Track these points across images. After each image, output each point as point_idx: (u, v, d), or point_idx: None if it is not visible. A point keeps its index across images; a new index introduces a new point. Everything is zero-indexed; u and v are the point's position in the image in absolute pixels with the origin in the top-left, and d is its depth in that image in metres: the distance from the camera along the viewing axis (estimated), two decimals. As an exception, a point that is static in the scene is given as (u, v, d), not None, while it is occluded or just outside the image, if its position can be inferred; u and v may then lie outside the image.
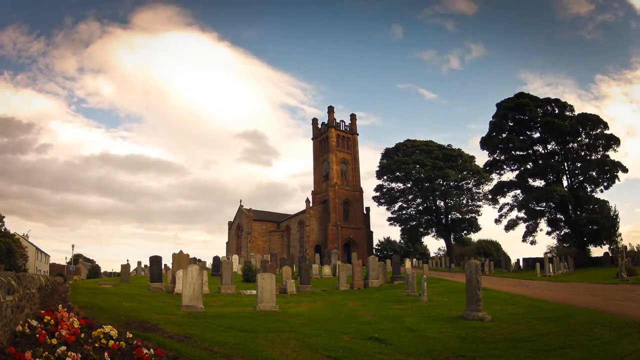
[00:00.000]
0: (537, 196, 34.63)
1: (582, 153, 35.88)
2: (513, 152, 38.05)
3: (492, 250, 50.69)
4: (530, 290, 15.05)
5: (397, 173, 47.24)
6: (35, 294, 5.71)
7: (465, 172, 46.18)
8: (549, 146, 37.44)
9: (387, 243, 55.56)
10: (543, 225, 37.27)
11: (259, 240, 51.66)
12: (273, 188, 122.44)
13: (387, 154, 49.12)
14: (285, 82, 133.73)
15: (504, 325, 8.36)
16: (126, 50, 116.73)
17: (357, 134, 53.54)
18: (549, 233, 37.19)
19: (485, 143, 39.02)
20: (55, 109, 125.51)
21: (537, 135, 37.37)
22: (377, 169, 48.69)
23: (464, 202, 47.32)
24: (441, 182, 45.43)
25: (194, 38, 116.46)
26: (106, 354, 4.31)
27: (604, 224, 32.44)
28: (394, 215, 48.84)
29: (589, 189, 35.36)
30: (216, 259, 26.08)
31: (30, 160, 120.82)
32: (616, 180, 34.19)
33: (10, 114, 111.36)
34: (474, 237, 52.25)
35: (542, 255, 31.33)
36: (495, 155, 39.06)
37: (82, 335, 4.77)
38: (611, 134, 34.65)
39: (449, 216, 47.12)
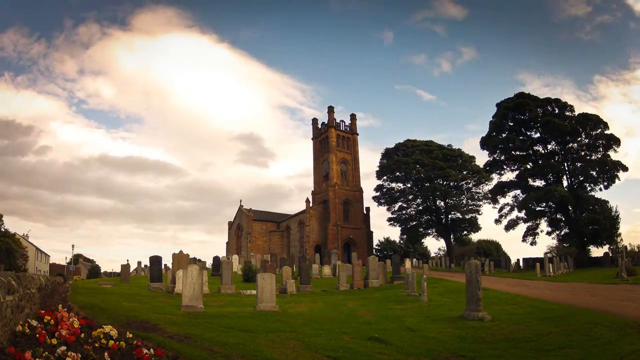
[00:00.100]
0: (537, 196, 34.62)
1: (582, 153, 35.86)
2: (513, 152, 38.05)
3: (492, 250, 50.66)
4: (530, 290, 15.05)
5: (397, 173, 47.23)
6: (35, 294, 5.70)
7: (465, 172, 46.17)
8: (549, 146, 37.43)
9: (387, 243, 55.58)
10: (543, 225, 37.32)
11: (259, 240, 51.66)
12: (271, 189, 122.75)
13: (387, 154, 49.12)
14: (284, 83, 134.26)
15: (504, 325, 8.36)
16: (126, 52, 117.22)
17: (357, 134, 53.57)
18: (549, 233, 37.20)
19: (485, 143, 39.02)
20: (55, 110, 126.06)
21: (537, 135, 37.37)
22: (377, 169, 48.72)
23: (464, 202, 47.32)
24: (441, 182, 45.40)
25: (193, 40, 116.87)
26: (106, 354, 4.31)
27: (604, 224, 32.42)
28: (394, 215, 48.85)
29: (589, 189, 35.37)
30: (216, 259, 26.08)
31: (30, 161, 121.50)
32: (616, 180, 34.26)
33: (10, 116, 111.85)
34: (474, 237, 52.30)
35: (542, 255, 31.33)
36: (495, 155, 39.06)
37: (82, 335, 4.77)
38: (611, 134, 34.66)
39: (449, 216, 47.11)
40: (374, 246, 52.87)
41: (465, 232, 48.07)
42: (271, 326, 7.81)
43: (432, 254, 54.92)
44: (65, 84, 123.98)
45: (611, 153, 34.64)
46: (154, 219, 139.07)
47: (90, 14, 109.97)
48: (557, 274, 25.28)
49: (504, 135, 37.97)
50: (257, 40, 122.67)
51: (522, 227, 37.51)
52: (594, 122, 34.82)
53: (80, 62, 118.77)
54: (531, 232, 36.95)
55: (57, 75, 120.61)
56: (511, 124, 37.87)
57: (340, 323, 8.98)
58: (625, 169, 33.90)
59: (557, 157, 36.77)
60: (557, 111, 36.46)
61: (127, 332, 5.41)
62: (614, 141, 34.42)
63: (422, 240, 53.38)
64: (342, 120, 52.83)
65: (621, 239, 34.43)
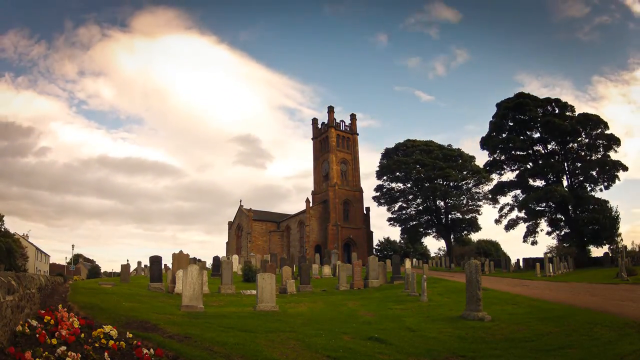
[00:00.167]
0: (537, 196, 34.61)
1: (583, 153, 35.85)
2: (513, 152, 38.03)
3: (492, 250, 50.67)
4: (530, 290, 15.05)
5: (397, 173, 47.22)
6: (35, 294, 5.70)
7: (465, 172, 46.18)
8: (549, 146, 37.42)
9: (387, 243, 55.57)
10: (543, 225, 37.31)
11: (259, 240, 51.66)
12: (269, 190, 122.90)
13: (387, 154, 49.11)
14: (284, 84, 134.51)
15: (504, 325, 8.36)
16: (126, 53, 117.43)
17: (357, 134, 53.55)
18: (549, 233, 37.18)
19: (485, 143, 39.01)
20: (56, 111, 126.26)
21: (537, 135, 37.36)
22: (377, 169, 48.71)
23: (464, 202, 47.30)
24: (441, 182, 45.39)
25: (193, 41, 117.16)
26: (106, 354, 4.32)
27: (604, 224, 32.40)
28: (394, 215, 48.84)
29: (589, 189, 35.36)
30: (216, 259, 26.07)
31: (30, 162, 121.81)
32: (616, 180, 34.24)
33: (11, 116, 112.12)
34: (474, 237, 52.28)
35: (542, 255, 31.32)
36: (496, 155, 39.04)
37: (82, 335, 4.77)
38: (611, 134, 34.64)
39: (449, 216, 47.10)
40: (374, 246, 52.87)
41: (465, 232, 48.05)
42: (271, 326, 7.81)
43: (432, 254, 54.98)
44: (65, 85, 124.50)
45: (611, 153, 34.65)
46: (153, 219, 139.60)
47: (91, 16, 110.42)
48: (557, 274, 25.28)
49: (504, 135, 37.95)
50: (256, 42, 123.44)
51: (522, 227, 37.55)
52: (594, 122, 34.80)
53: (81, 63, 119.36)
54: (531, 232, 36.92)
55: (57, 77, 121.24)
56: (511, 124, 37.85)
57: (340, 323, 8.98)
58: (625, 169, 33.90)
59: (557, 157, 36.75)
60: (557, 111, 36.45)
61: (127, 332, 5.41)
62: (614, 141, 34.41)
63: (422, 240, 53.45)
64: (342, 120, 52.84)
65: (621, 239, 34.46)
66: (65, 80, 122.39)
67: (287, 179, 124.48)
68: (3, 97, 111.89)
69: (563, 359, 5.80)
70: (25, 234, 53.43)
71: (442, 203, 47.39)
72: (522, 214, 37.01)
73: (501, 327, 8.15)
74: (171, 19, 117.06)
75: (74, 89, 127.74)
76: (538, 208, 36.28)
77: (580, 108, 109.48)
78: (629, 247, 30.73)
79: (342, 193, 49.48)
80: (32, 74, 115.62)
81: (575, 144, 36.16)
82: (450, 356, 6.14)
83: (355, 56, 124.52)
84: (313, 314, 10.60)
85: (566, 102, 36.94)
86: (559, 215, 36.27)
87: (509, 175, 39.28)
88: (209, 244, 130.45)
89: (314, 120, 55.54)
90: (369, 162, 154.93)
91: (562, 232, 36.62)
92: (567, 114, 36.09)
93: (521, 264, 34.60)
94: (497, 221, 38.96)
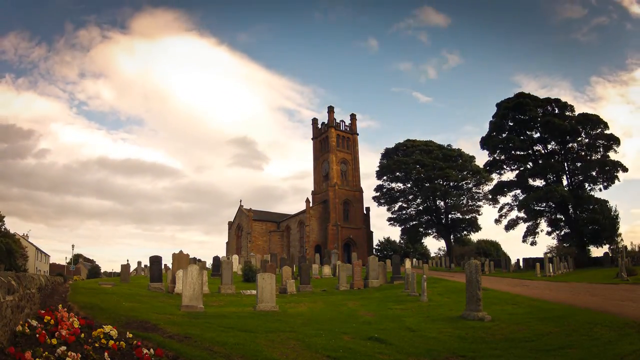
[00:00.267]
0: (537, 196, 34.61)
1: (582, 153, 35.85)
2: (513, 152, 38.02)
3: (492, 250, 50.63)
4: (530, 290, 15.05)
5: (397, 173, 47.23)
6: (35, 294, 5.70)
7: (465, 172, 46.17)
8: (549, 146, 37.41)
9: (387, 243, 55.53)
10: (543, 225, 37.31)
11: (259, 240, 51.66)
12: (267, 190, 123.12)
13: (387, 154, 49.10)
14: (283, 85, 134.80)
15: (504, 325, 8.36)
16: (126, 55, 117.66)
17: (357, 134, 53.54)
18: (549, 233, 37.18)
19: (485, 143, 39.01)
20: (56, 111, 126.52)
21: (537, 135, 37.35)
22: (377, 169, 48.73)
23: (464, 202, 47.30)
24: (441, 182, 45.40)
25: (192, 42, 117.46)
26: (106, 354, 4.32)
27: (604, 224, 32.40)
28: (394, 216, 48.85)
29: (588, 189, 35.38)
30: (216, 259, 26.07)
31: (30, 164, 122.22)
32: (616, 181, 34.25)
33: (11, 118, 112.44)
34: (474, 237, 52.21)
35: (542, 255, 31.32)
36: (495, 155, 39.03)
37: (82, 335, 4.77)
38: (611, 134, 34.63)
39: (449, 216, 47.10)
40: (374, 246, 52.85)
41: (465, 232, 48.04)
42: (271, 326, 7.81)
43: (432, 254, 54.94)
44: (65, 87, 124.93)
45: (611, 153, 34.66)
46: (152, 219, 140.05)
47: (91, 18, 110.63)
48: (557, 274, 25.28)
49: (504, 135, 37.93)
50: (255, 43, 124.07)
51: (522, 227, 37.55)
52: (594, 122, 34.80)
53: (81, 64, 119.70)
54: (531, 232, 36.93)
55: (57, 78, 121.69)
56: (511, 123, 37.85)
57: (340, 323, 8.98)
58: (625, 169, 33.88)
59: (557, 157, 36.74)
60: (557, 111, 36.45)
61: (127, 332, 5.41)
62: (614, 141, 34.41)
63: (422, 240, 53.37)
64: (342, 120, 52.83)
65: (621, 239, 34.45)
66: (66, 82, 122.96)
67: (284, 180, 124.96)
68: (4, 98, 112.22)
69: (563, 359, 5.80)
70: (25, 234, 53.43)
71: (442, 203, 47.40)
72: (522, 214, 37.04)
73: (501, 327, 8.15)
74: (171, 20, 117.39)
75: (74, 90, 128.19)
76: (538, 208, 36.30)
77: (579, 109, 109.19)
78: (628, 248, 30.70)
79: (342, 193, 49.48)
80: (33, 76, 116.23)
81: (575, 144, 36.17)
82: (450, 356, 6.14)
83: (351, 59, 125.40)
84: (313, 314, 10.60)
85: (566, 102, 36.97)
86: (559, 215, 36.28)
87: (509, 175, 39.35)
88: (208, 244, 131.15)
89: (314, 120, 55.53)
90: (368, 162, 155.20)
91: (562, 232, 36.63)
92: (567, 114, 36.09)
93: (521, 264, 34.59)
94: (497, 221, 39.00)
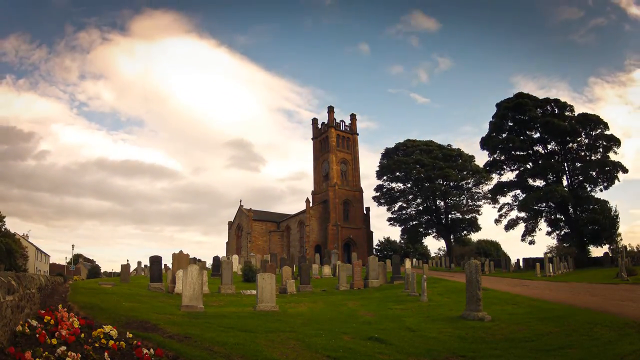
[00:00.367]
0: (537, 196, 34.61)
1: (582, 153, 35.85)
2: (513, 152, 38.01)
3: (492, 250, 50.66)
4: (530, 290, 15.05)
5: (397, 173, 47.22)
6: (35, 294, 5.70)
7: (465, 172, 46.18)
8: (549, 146, 37.41)
9: (387, 243, 55.53)
10: (543, 225, 37.33)
11: (259, 240, 51.65)
12: (263, 192, 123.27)
13: (387, 154, 49.11)
14: (282, 86, 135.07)
15: (504, 325, 8.36)
16: (126, 57, 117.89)
17: (357, 134, 53.54)
18: (549, 233, 37.21)
19: (485, 143, 39.00)
20: (57, 112, 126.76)
21: (537, 135, 37.34)
22: (377, 169, 48.74)
23: (464, 202, 47.32)
24: (441, 182, 45.40)
25: (192, 44, 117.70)
26: (106, 354, 4.31)
27: (604, 224, 32.41)
28: (394, 215, 48.85)
29: (588, 189, 35.35)
30: (216, 259, 26.06)
31: (30, 165, 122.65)
32: (615, 181, 34.24)
33: (12, 118, 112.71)
34: (474, 237, 52.26)
35: (542, 255, 31.32)
36: (495, 155, 39.03)
37: (82, 335, 4.77)
38: (611, 134, 34.63)
39: (449, 216, 47.11)
40: (374, 246, 52.86)
41: (465, 232, 48.06)
42: (271, 326, 7.81)
43: (432, 254, 54.97)
44: (66, 88, 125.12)
45: (611, 154, 34.65)
46: (151, 220, 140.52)
47: (91, 20, 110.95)
48: (557, 274, 25.28)
49: (503, 135, 37.95)
50: (254, 45, 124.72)
51: (522, 227, 37.55)
52: (593, 122, 34.79)
53: (81, 66, 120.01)
54: (529, 232, 36.96)
55: (58, 80, 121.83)
56: (511, 124, 37.85)
57: (340, 323, 8.98)
58: (625, 170, 33.86)
59: (557, 157, 36.74)
60: (556, 111, 36.43)
61: (127, 332, 5.41)
62: (614, 141, 34.39)
63: (422, 240, 53.39)
64: (342, 120, 52.84)
65: (621, 239, 34.49)
66: (66, 84, 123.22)
67: (281, 180, 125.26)
68: (4, 99, 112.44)
69: (563, 359, 5.80)
70: (25, 234, 53.41)
71: (442, 203, 47.41)
72: (521, 214, 37.04)
73: (501, 327, 8.15)
74: (170, 22, 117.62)
75: (74, 91, 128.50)
76: (538, 208, 36.29)
77: (577, 110, 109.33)
78: (628, 248, 30.71)
79: (342, 193, 49.48)
80: (33, 77, 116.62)
81: (575, 144, 36.16)
82: (450, 356, 6.14)
83: (347, 61, 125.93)
84: (313, 314, 10.60)
85: (565, 102, 36.96)
86: (558, 215, 36.29)
87: (509, 175, 39.36)
88: (207, 244, 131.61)
89: (314, 120, 55.52)
90: (366, 163, 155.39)
91: (562, 232, 36.64)
92: (567, 114, 36.09)
93: (521, 264, 34.60)
94: (497, 221, 39.01)
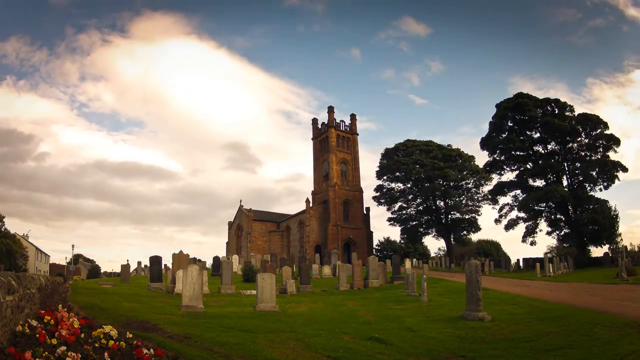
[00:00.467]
0: (537, 196, 34.61)
1: (582, 153, 35.87)
2: (513, 152, 38.03)
3: (492, 251, 50.69)
4: (530, 290, 15.05)
5: (397, 173, 47.24)
6: (35, 294, 5.70)
7: (465, 172, 46.20)
8: (549, 146, 37.43)
9: (387, 243, 55.55)
10: (543, 225, 37.33)
11: (259, 240, 51.65)
12: (263, 192, 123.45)
13: (387, 154, 49.10)
14: (281, 87, 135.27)
15: (504, 325, 8.36)
16: (126, 58, 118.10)
17: (357, 134, 53.55)
18: (549, 233, 37.20)
19: (485, 143, 39.02)
20: (57, 113, 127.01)
21: (537, 135, 37.37)
22: (377, 169, 48.78)
23: (464, 202, 47.31)
24: (441, 182, 45.40)
25: (192, 46, 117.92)
26: (106, 354, 4.31)
27: (604, 224, 32.41)
28: (394, 215, 48.87)
29: (588, 189, 35.37)
30: (216, 259, 26.06)
31: (30, 166, 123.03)
32: (616, 181, 34.26)
33: (12, 119, 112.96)
34: (474, 237, 52.31)
35: (542, 255, 31.32)
36: (495, 156, 39.05)
37: (82, 335, 4.77)
38: (611, 134, 34.64)
39: (449, 216, 47.10)
40: (374, 246, 52.86)
41: (465, 232, 48.04)
42: (271, 326, 7.81)
43: (432, 254, 55.00)
44: (66, 89, 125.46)
45: (611, 153, 34.66)
46: (150, 221, 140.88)
47: (91, 22, 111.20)
48: (557, 274, 25.28)
49: (503, 135, 37.95)
50: (254, 46, 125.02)
51: (522, 227, 37.58)
52: (593, 122, 34.81)
53: (81, 68, 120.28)
54: (530, 232, 36.95)
55: (58, 81, 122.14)
56: (511, 124, 37.87)
57: (340, 323, 8.98)
58: (625, 169, 33.90)
59: (557, 157, 36.75)
60: (556, 111, 36.45)
61: (127, 332, 5.41)
62: (613, 141, 34.40)
63: (422, 240, 53.40)
64: (342, 121, 52.84)
65: (621, 239, 34.51)
66: (67, 85, 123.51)
67: (278, 182, 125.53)
68: (5, 100, 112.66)
69: (563, 359, 5.80)
70: (25, 234, 53.43)
71: (442, 203, 47.41)
72: (522, 214, 37.03)
73: (501, 327, 8.15)
74: (170, 24, 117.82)
75: (75, 92, 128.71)
76: (538, 208, 36.29)
77: (576, 110, 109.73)
78: (628, 248, 30.72)
79: (342, 193, 49.48)
80: (34, 79, 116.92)
81: (575, 144, 36.18)
82: (450, 356, 6.14)
83: (344, 64, 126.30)
84: (313, 314, 10.60)
85: (565, 102, 36.98)
86: (559, 215, 36.29)
87: (509, 176, 39.38)
88: (206, 245, 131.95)
89: (314, 121, 55.51)
90: (366, 163, 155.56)
91: (562, 232, 36.65)
92: (567, 114, 36.09)
93: (521, 264, 34.59)
94: (497, 221, 39.03)
